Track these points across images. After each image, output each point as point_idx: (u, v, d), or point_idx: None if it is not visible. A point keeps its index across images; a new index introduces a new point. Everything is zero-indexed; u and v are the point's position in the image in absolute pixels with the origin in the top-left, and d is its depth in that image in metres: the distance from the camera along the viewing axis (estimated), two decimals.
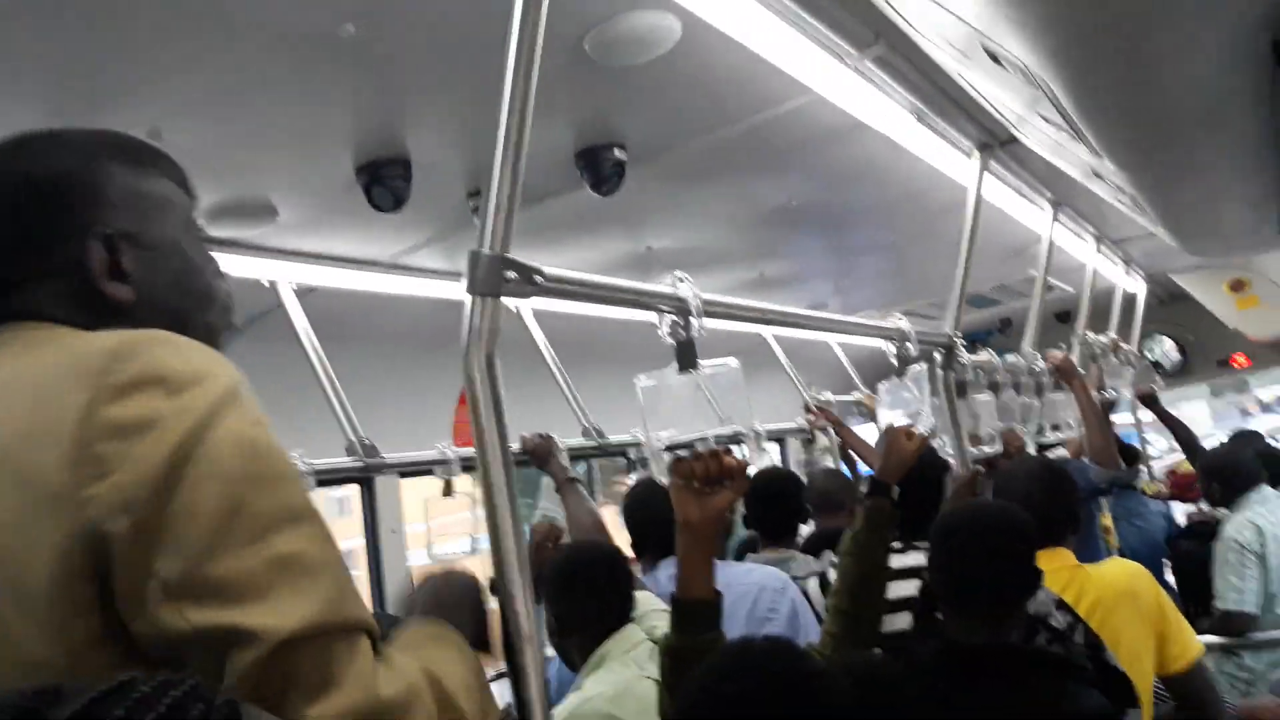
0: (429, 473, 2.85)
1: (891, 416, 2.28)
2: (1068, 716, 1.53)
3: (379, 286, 2.82)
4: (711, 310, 1.46)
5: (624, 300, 1.39)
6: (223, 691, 0.67)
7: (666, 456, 1.38)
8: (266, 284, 2.61)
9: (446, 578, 1.15)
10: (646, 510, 2.39)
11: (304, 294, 2.68)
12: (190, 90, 1.69)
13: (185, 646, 0.70)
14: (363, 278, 2.76)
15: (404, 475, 2.99)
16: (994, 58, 1.35)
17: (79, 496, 0.70)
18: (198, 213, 0.99)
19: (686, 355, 1.41)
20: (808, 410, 4.59)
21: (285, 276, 2.62)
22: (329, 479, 2.73)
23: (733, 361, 1.36)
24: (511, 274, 1.17)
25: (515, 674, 1.09)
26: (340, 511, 4.63)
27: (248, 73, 1.66)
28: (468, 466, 2.84)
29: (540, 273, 1.20)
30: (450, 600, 1.11)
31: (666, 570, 2.24)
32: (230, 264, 2.28)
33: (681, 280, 1.44)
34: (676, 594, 1.36)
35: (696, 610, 1.35)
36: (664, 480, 1.36)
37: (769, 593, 2.28)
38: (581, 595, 1.92)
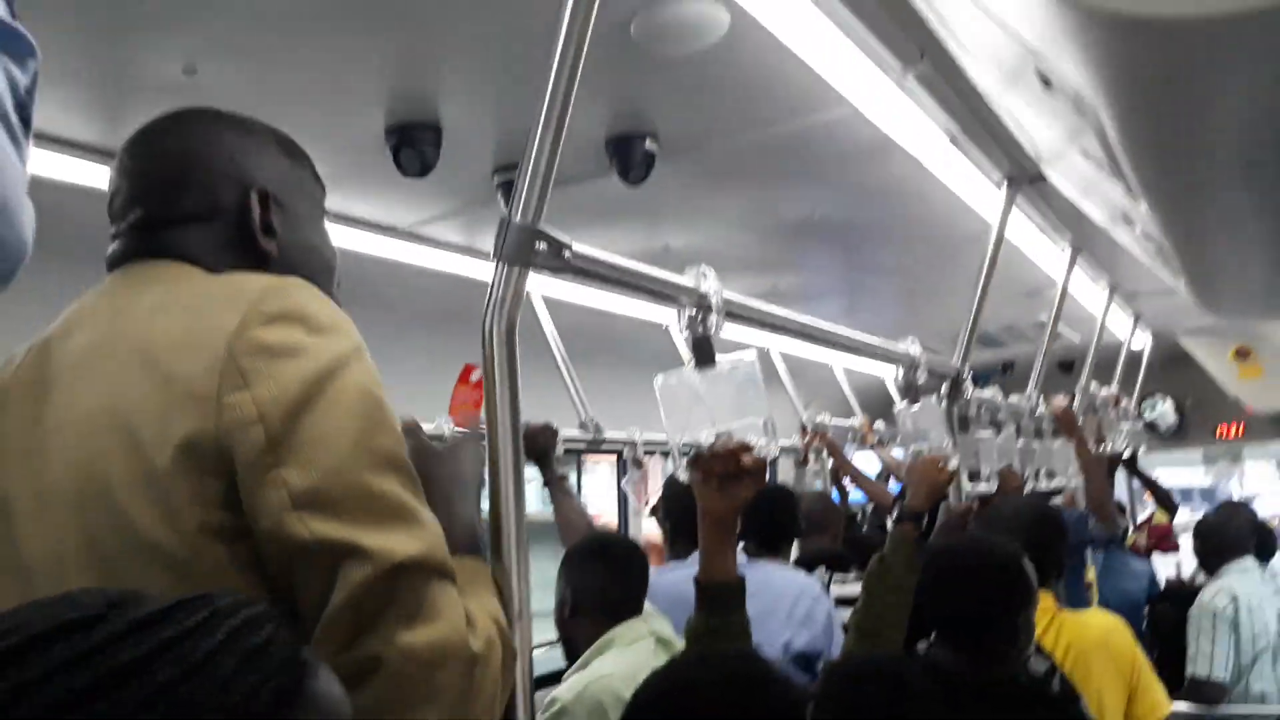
0: None
1: (914, 444, 2.25)
2: None
3: (394, 254, 2.77)
4: (732, 311, 1.44)
5: (648, 288, 1.37)
6: (333, 605, 0.74)
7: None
8: None
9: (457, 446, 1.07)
10: (682, 504, 2.40)
11: None
12: (225, 28, 1.67)
13: (302, 554, 0.76)
14: (379, 243, 2.71)
15: None
16: (1045, 81, 1.34)
17: (221, 401, 0.77)
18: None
19: (704, 351, 1.39)
20: (804, 432, 4.54)
21: None
22: None
23: (750, 354, 1.35)
24: (541, 245, 1.16)
25: None
26: None
27: (284, 16, 1.63)
28: None
29: (570, 248, 1.19)
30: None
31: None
32: None
33: (705, 275, 1.42)
34: (699, 578, 1.38)
35: (720, 592, 1.37)
36: (683, 477, 1.36)
37: (808, 598, 2.29)
38: (603, 577, 1.94)
